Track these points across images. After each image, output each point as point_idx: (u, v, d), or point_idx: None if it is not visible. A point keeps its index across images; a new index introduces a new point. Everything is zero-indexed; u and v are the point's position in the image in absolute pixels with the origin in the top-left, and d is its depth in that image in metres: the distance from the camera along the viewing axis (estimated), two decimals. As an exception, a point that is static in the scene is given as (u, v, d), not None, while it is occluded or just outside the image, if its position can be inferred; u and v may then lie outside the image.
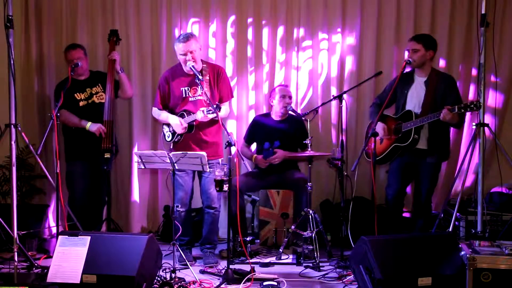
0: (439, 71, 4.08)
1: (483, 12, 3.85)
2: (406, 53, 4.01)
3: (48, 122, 3.77)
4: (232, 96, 4.22)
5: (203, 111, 3.79)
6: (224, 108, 4.02)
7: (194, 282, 3.44)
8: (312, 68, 4.90)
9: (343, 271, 3.66)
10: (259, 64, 4.92)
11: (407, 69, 4.08)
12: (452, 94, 3.89)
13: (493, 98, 4.61)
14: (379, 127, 4.04)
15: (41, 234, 4.70)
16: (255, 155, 4.53)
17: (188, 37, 3.89)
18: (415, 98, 3.98)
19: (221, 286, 3.39)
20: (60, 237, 3.22)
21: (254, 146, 4.74)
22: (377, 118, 3.75)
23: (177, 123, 3.94)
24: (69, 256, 3.12)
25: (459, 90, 4.02)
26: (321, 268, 3.78)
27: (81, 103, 4.36)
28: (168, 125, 4.06)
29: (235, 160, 4.01)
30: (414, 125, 3.82)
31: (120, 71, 4.41)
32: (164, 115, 4.06)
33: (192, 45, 3.88)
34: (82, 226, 4.05)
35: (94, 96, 4.39)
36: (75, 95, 4.36)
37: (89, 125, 4.27)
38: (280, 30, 4.88)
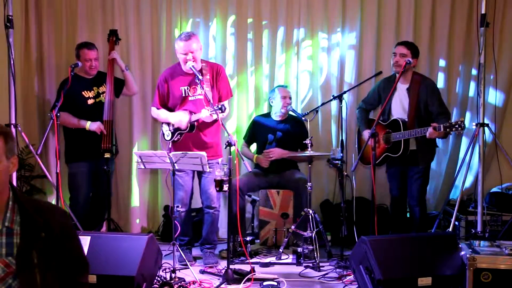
0: (420, 75, 4.07)
1: (483, 12, 3.86)
2: (393, 56, 4.00)
3: (48, 122, 3.77)
4: (232, 95, 4.21)
5: (208, 110, 3.78)
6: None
7: (194, 282, 3.44)
8: (312, 68, 4.90)
9: (343, 271, 3.66)
10: (259, 64, 4.91)
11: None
12: (434, 101, 3.91)
13: (493, 98, 4.60)
14: (366, 134, 4.06)
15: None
16: (256, 155, 4.54)
17: (189, 36, 3.87)
18: (399, 106, 4.01)
19: (221, 286, 3.39)
20: (60, 237, 3.21)
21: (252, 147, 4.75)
22: (375, 123, 3.75)
23: (180, 118, 3.91)
24: (69, 256, 3.11)
25: (441, 95, 4.04)
26: (321, 268, 3.78)
27: (89, 101, 4.32)
28: (168, 124, 4.05)
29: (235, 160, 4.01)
30: (403, 137, 3.85)
31: (125, 70, 4.39)
32: (164, 114, 4.05)
33: (193, 44, 3.86)
34: (82, 226, 4.05)
35: (101, 95, 4.37)
36: (83, 92, 4.32)
37: (88, 124, 4.24)
38: (280, 30, 4.89)
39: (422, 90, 3.93)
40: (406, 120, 3.92)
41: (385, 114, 4.10)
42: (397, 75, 3.95)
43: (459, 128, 3.54)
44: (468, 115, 4.76)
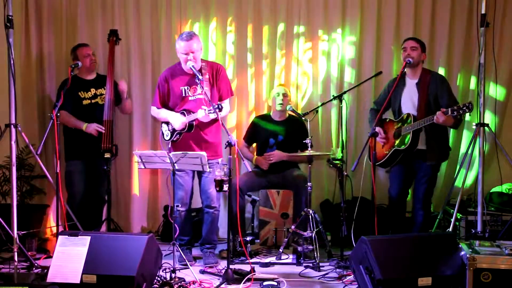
0: (429, 70, 4.08)
1: (483, 12, 3.85)
2: (403, 52, 4.00)
3: (48, 122, 3.78)
4: (232, 94, 4.21)
5: (205, 109, 3.79)
6: (224, 106, 4.02)
7: (194, 282, 3.44)
8: (312, 68, 4.90)
9: (343, 271, 3.66)
10: (259, 64, 4.91)
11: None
12: (443, 94, 3.89)
13: (493, 98, 4.60)
14: (377, 129, 4.04)
15: (41, 234, 4.71)
16: (256, 156, 4.55)
17: (191, 36, 3.88)
18: (409, 101, 3.99)
19: (221, 286, 3.39)
20: (60, 237, 3.22)
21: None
22: (375, 122, 3.74)
23: (177, 120, 3.92)
24: (69, 256, 3.12)
25: (450, 87, 4.02)
26: (321, 268, 3.78)
27: (84, 102, 4.36)
28: (167, 123, 4.06)
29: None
30: (412, 129, 3.83)
31: (125, 98, 4.43)
32: (164, 113, 4.06)
33: (194, 44, 3.86)
34: (82, 226, 4.06)
35: (99, 97, 4.39)
36: (79, 93, 4.36)
37: (85, 127, 4.28)
38: (280, 30, 4.89)
39: (432, 83, 3.91)
40: (416, 114, 3.89)
41: (395, 112, 4.09)
42: (405, 71, 3.96)
43: (466, 110, 3.49)
44: (467, 115, 4.75)
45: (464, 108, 3.51)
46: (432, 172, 3.97)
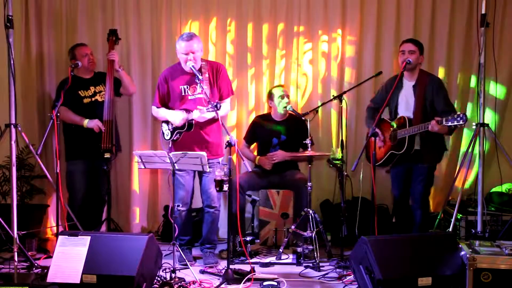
0: (427, 73, 4.07)
1: (483, 12, 3.85)
2: (400, 55, 3.98)
3: (48, 122, 3.78)
4: (233, 93, 4.21)
5: (200, 110, 3.79)
6: (224, 106, 4.02)
7: (194, 282, 3.44)
8: (312, 68, 4.91)
9: (343, 271, 3.66)
10: (259, 64, 4.92)
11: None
12: (439, 98, 3.88)
13: (493, 98, 4.60)
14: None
15: (41, 234, 4.71)
16: (258, 156, 4.54)
17: (191, 36, 3.89)
18: (405, 103, 3.99)
19: (221, 286, 3.39)
20: (60, 237, 3.22)
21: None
22: (375, 122, 3.75)
23: (177, 117, 3.91)
24: (69, 256, 3.12)
25: (448, 93, 4.01)
26: (321, 268, 3.78)
27: (85, 100, 4.35)
28: (167, 123, 4.06)
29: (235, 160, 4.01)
30: (407, 134, 3.82)
31: (119, 69, 4.40)
32: (163, 112, 4.06)
33: (194, 45, 3.87)
34: (82, 226, 4.06)
35: (98, 94, 4.40)
36: (79, 92, 4.35)
37: (86, 122, 4.26)
38: (280, 30, 4.89)
39: (429, 87, 3.90)
40: (411, 117, 3.90)
41: (392, 112, 4.09)
42: (404, 73, 3.95)
43: (460, 121, 3.46)
44: (469, 105, 4.76)
45: (458, 119, 3.47)
46: (428, 171, 3.98)
